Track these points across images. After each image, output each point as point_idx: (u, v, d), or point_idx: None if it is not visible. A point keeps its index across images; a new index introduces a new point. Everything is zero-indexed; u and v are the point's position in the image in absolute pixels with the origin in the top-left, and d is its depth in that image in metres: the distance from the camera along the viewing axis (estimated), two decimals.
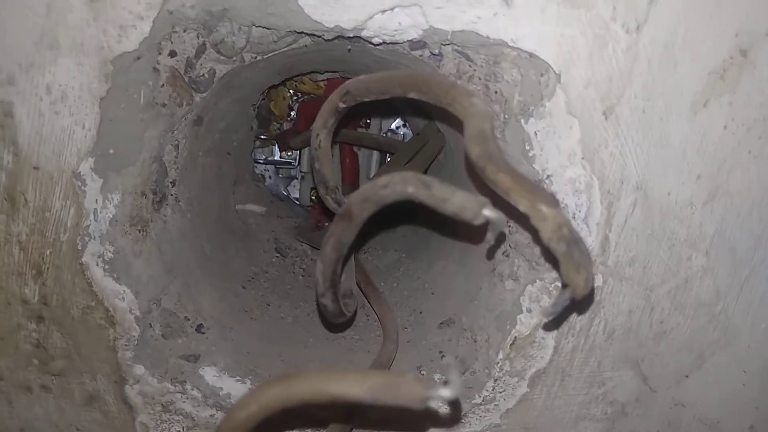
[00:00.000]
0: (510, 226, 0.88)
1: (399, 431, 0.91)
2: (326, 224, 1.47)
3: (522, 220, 0.57)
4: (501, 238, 0.84)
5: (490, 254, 0.88)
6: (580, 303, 0.76)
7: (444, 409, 0.48)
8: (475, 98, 0.63)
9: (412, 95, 0.67)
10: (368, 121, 1.47)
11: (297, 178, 1.55)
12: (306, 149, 1.45)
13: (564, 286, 0.58)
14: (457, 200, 0.57)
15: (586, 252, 0.56)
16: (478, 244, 0.94)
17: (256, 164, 1.49)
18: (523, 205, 0.56)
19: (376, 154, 1.49)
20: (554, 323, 0.85)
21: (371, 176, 1.49)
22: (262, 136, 1.45)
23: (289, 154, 1.48)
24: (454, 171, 1.21)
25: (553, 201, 0.55)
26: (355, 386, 0.47)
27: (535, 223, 0.56)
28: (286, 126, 1.49)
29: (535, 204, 0.55)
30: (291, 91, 1.45)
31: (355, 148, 1.45)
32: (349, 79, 1.31)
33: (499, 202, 0.60)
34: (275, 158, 1.49)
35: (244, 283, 1.14)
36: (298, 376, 0.49)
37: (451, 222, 0.59)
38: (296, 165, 1.51)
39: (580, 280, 0.56)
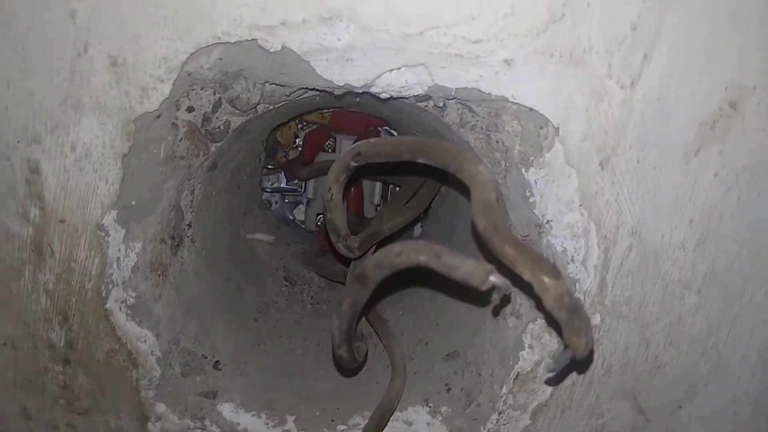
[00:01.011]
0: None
1: None
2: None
3: (526, 287, 0.62)
4: (506, 301, 0.89)
5: (496, 313, 0.93)
6: (581, 362, 0.80)
7: None
8: (482, 166, 0.67)
9: (421, 160, 0.72)
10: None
11: (302, 203, 1.59)
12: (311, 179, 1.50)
13: (566, 346, 0.63)
14: (466, 268, 0.61)
15: (586, 318, 0.60)
16: (483, 307, 0.99)
17: (263, 192, 1.53)
18: (527, 276, 0.60)
19: (378, 183, 1.53)
20: (556, 379, 0.90)
21: (375, 202, 1.53)
22: (269, 166, 1.49)
23: (295, 181, 1.52)
24: (456, 204, 1.26)
25: (555, 272, 0.60)
26: None
27: (538, 293, 0.60)
28: (292, 154, 1.53)
29: (538, 275, 0.59)
30: (296, 121, 1.49)
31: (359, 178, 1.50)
32: (353, 112, 1.37)
33: (503, 266, 0.65)
34: (282, 185, 1.53)
35: (255, 315, 1.18)
36: None
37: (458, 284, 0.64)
38: (302, 191, 1.55)
39: (580, 344, 0.60)
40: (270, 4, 0.79)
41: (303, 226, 1.59)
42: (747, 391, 1.00)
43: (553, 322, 0.75)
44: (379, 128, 1.48)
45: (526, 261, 0.60)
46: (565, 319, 0.59)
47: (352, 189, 1.48)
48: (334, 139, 1.50)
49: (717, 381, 0.98)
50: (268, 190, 1.53)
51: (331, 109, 1.39)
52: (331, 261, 1.37)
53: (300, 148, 1.52)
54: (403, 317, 1.24)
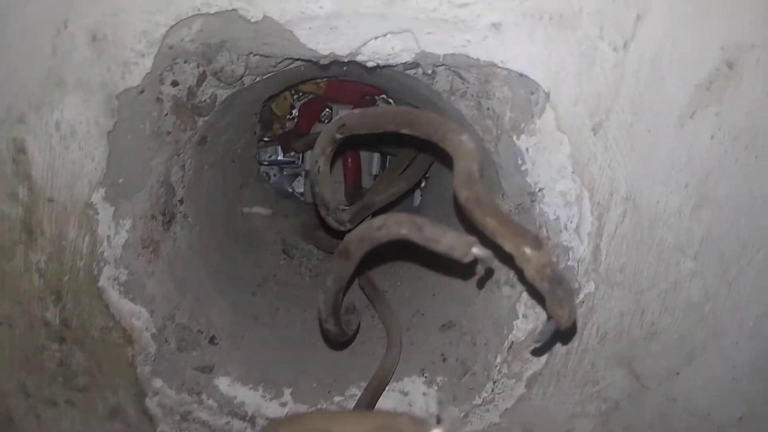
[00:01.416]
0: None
1: None
2: None
3: (509, 259, 0.61)
4: (489, 273, 0.88)
5: (480, 285, 0.92)
6: (565, 332, 0.80)
7: None
8: (465, 135, 0.66)
9: (405, 131, 0.70)
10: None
11: (301, 175, 1.58)
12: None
13: (549, 317, 0.62)
14: (447, 241, 0.61)
15: (569, 288, 0.59)
16: (466, 280, 0.99)
17: (260, 165, 1.52)
18: (508, 247, 0.59)
19: (377, 153, 1.52)
20: (541, 350, 0.89)
21: (373, 173, 1.52)
22: (266, 138, 1.48)
23: (292, 153, 1.51)
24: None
25: (537, 243, 0.59)
26: (354, 428, 0.52)
27: (520, 264, 0.59)
28: (288, 125, 1.51)
29: (519, 246, 0.58)
30: (292, 92, 1.47)
31: (357, 149, 1.48)
32: (347, 81, 1.35)
33: (487, 238, 0.64)
34: (279, 158, 1.52)
35: (253, 289, 1.18)
36: (303, 418, 0.54)
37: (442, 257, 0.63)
38: (300, 163, 1.54)
39: (563, 314, 0.60)
40: None
41: (302, 198, 1.59)
42: (745, 356, 0.99)
43: (536, 294, 0.75)
44: (376, 97, 1.46)
45: (508, 232, 0.59)
46: (547, 290, 0.58)
47: (350, 159, 1.47)
48: (331, 109, 1.48)
49: (714, 346, 0.97)
50: (265, 162, 1.52)
51: (325, 79, 1.37)
52: (329, 237, 1.36)
53: (296, 120, 1.50)
54: (401, 288, 1.24)
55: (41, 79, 0.81)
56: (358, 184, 1.48)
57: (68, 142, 0.84)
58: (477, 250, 0.60)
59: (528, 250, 0.58)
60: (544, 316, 0.93)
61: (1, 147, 0.84)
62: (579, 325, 0.93)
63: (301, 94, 1.49)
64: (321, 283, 0.74)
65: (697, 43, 0.83)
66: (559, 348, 0.94)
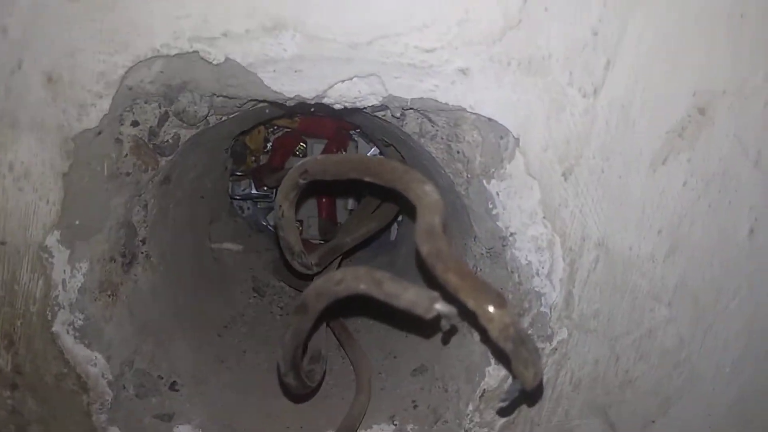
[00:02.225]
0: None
1: None
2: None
3: (472, 317, 0.58)
4: (453, 330, 0.86)
5: (445, 341, 0.90)
6: (531, 393, 0.77)
7: None
8: (429, 186, 0.64)
9: (368, 179, 0.68)
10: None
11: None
12: None
13: (514, 377, 0.59)
14: (409, 296, 0.58)
15: (534, 349, 0.57)
16: (429, 338, 0.96)
17: (233, 199, 1.49)
18: (471, 305, 0.57)
19: None
20: (509, 410, 0.87)
21: (349, 207, 1.50)
22: (238, 173, 1.46)
23: (264, 188, 1.48)
24: None
25: (500, 300, 0.56)
26: None
27: (483, 323, 0.57)
28: (263, 158, 1.49)
29: (482, 304, 0.56)
30: (265, 125, 1.45)
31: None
32: (323, 117, 1.33)
33: (451, 294, 0.61)
34: (252, 191, 1.50)
35: (219, 330, 1.15)
36: None
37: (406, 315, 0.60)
38: (273, 197, 1.51)
39: (528, 375, 0.57)
40: (211, 15, 0.76)
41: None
42: (722, 402, 0.97)
43: (500, 353, 0.72)
44: (351, 131, 1.44)
45: (470, 289, 0.56)
46: (511, 350, 0.56)
47: (324, 197, 1.44)
48: (305, 143, 1.46)
49: (691, 394, 0.95)
50: (238, 197, 1.49)
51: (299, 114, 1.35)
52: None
53: (270, 153, 1.48)
54: (374, 327, 1.21)
55: None
56: (333, 219, 1.46)
57: (22, 184, 0.81)
58: (440, 306, 0.57)
59: (491, 309, 0.56)
60: None
61: None
62: (552, 372, 0.91)
63: (275, 127, 1.47)
64: (279, 341, 0.72)
65: (668, 90, 0.82)
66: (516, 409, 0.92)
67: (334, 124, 1.38)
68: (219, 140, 1.12)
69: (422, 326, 1.00)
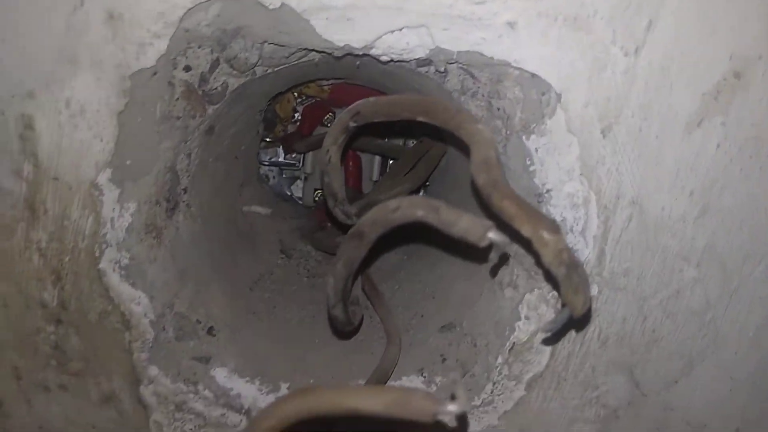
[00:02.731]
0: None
1: None
2: (329, 224, 1.50)
3: (525, 243, 0.61)
4: (504, 259, 0.88)
5: (494, 272, 0.92)
6: (578, 320, 0.79)
7: (452, 423, 0.52)
8: (481, 125, 0.66)
9: (420, 119, 0.71)
10: None
11: (300, 179, 1.58)
12: (309, 152, 1.48)
13: (563, 305, 0.62)
14: (463, 224, 0.61)
15: (585, 275, 0.60)
16: (481, 264, 0.98)
17: (261, 165, 1.52)
18: (526, 231, 0.59)
19: (378, 157, 1.52)
20: (553, 338, 0.89)
21: (374, 179, 1.52)
22: (268, 139, 1.48)
23: (293, 155, 1.51)
24: (455, 178, 1.25)
25: (554, 227, 0.59)
26: (371, 401, 0.51)
27: (537, 248, 0.59)
28: (290, 128, 1.51)
29: (537, 230, 0.59)
30: (296, 94, 1.48)
31: (357, 152, 1.48)
32: (353, 85, 1.36)
33: (503, 224, 0.64)
34: (279, 159, 1.52)
35: (251, 285, 1.17)
36: (318, 391, 0.53)
37: (456, 242, 0.63)
38: (300, 166, 1.54)
39: (578, 301, 0.60)
40: None
41: (300, 202, 1.58)
42: (744, 367, 0.99)
43: (551, 279, 0.75)
44: None
45: (526, 216, 0.59)
46: (563, 275, 0.58)
47: (351, 163, 1.47)
48: (333, 113, 1.48)
49: (714, 356, 0.97)
50: (266, 163, 1.51)
51: (330, 82, 1.37)
52: (329, 235, 1.36)
53: (298, 123, 1.50)
54: (399, 291, 1.24)
55: (53, 56, 0.81)
56: (358, 189, 1.48)
57: (77, 121, 0.83)
58: (493, 235, 0.60)
59: (546, 235, 0.58)
60: (546, 317, 0.93)
61: (9, 122, 0.83)
62: (581, 328, 0.93)
63: (304, 97, 1.49)
64: (329, 269, 0.74)
65: (705, 53, 0.84)
66: (560, 350, 0.94)
67: (365, 94, 1.40)
68: (257, 98, 1.15)
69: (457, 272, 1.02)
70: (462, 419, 0.88)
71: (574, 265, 0.58)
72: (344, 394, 0.53)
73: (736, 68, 0.85)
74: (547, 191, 0.89)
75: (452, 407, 0.51)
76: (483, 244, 0.60)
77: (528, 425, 0.98)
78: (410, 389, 0.52)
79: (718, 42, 0.84)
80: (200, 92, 0.90)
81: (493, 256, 0.63)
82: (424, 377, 1.00)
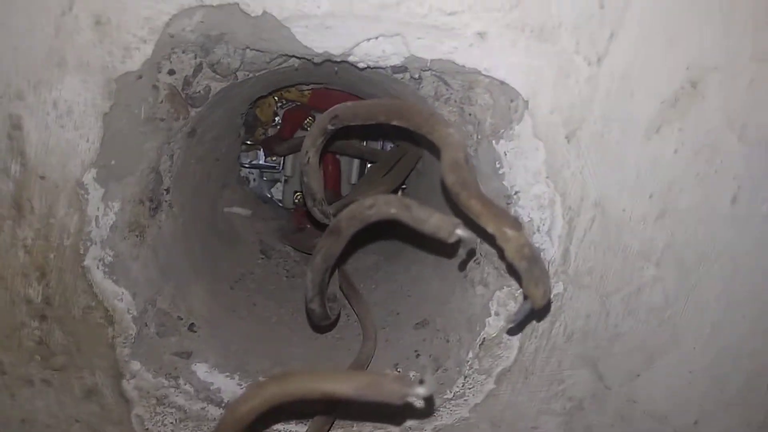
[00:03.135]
0: (479, 240, 0.96)
1: (377, 422, 0.99)
2: (308, 226, 1.54)
3: (490, 239, 0.65)
4: (471, 254, 0.93)
5: (462, 267, 0.96)
6: (539, 312, 0.84)
7: (419, 404, 0.56)
8: (452, 128, 0.71)
9: (395, 122, 0.75)
10: None
11: (281, 181, 1.61)
12: (290, 155, 1.52)
13: (525, 297, 0.66)
14: (434, 221, 0.65)
15: (545, 269, 0.64)
16: (450, 258, 1.02)
17: (241, 168, 1.55)
18: (490, 228, 0.64)
19: (356, 161, 1.56)
20: (517, 328, 0.94)
21: (352, 182, 1.56)
22: (248, 142, 1.52)
23: (273, 158, 1.54)
24: (431, 180, 1.29)
25: (516, 224, 0.63)
26: (343, 385, 0.55)
27: (500, 244, 0.64)
28: (270, 131, 1.55)
29: (500, 227, 0.63)
30: (276, 98, 1.51)
31: (337, 155, 1.52)
32: (332, 90, 1.40)
33: (470, 222, 0.68)
34: (260, 162, 1.56)
35: (231, 284, 1.20)
36: (293, 376, 0.57)
37: (428, 238, 0.67)
38: (280, 169, 1.57)
39: (538, 293, 0.64)
40: None
41: (281, 204, 1.62)
42: (702, 361, 1.04)
43: (514, 273, 0.79)
44: None
45: (490, 214, 0.63)
46: (525, 268, 0.63)
47: (330, 167, 1.50)
48: (313, 117, 1.52)
49: (674, 351, 1.02)
50: (247, 165, 1.55)
51: (310, 86, 1.41)
52: (308, 236, 1.40)
53: (279, 126, 1.54)
54: (376, 290, 1.28)
55: (42, 58, 0.84)
56: (337, 191, 1.52)
57: (64, 121, 0.86)
58: (461, 231, 0.64)
59: (508, 231, 0.63)
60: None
61: None
62: (547, 324, 0.98)
63: (285, 101, 1.53)
64: (308, 265, 0.77)
65: (664, 62, 0.89)
66: (528, 345, 0.98)
67: (344, 98, 1.44)
68: (239, 102, 1.18)
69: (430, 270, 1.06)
70: (428, 401, 0.93)
71: (534, 259, 0.63)
72: (318, 378, 0.56)
73: (692, 78, 0.90)
74: (516, 193, 0.94)
75: (420, 390, 0.55)
76: (451, 240, 0.65)
77: (498, 417, 1.02)
78: (381, 373, 0.56)
79: (676, 53, 0.89)
80: (183, 95, 0.94)
81: (462, 252, 0.67)
82: (399, 372, 1.04)
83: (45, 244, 0.90)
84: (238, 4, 0.83)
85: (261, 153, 1.55)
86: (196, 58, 0.91)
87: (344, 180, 1.56)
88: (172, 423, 0.99)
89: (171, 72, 0.91)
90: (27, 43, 0.83)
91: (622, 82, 0.89)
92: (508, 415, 1.02)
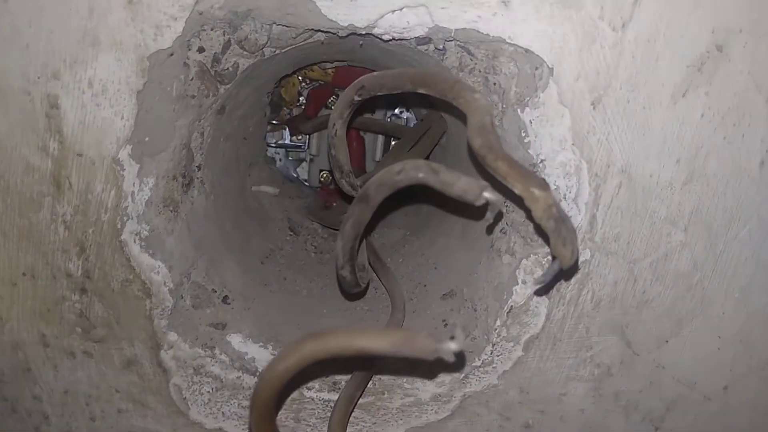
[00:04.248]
0: (507, 205, 0.97)
1: (412, 376, 1.02)
2: (334, 204, 1.56)
3: (517, 201, 0.66)
4: (498, 217, 0.94)
5: (489, 230, 0.97)
6: (567, 273, 0.85)
7: (451, 359, 0.58)
8: (477, 93, 0.72)
9: (421, 90, 0.76)
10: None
11: (306, 161, 1.64)
12: (315, 134, 1.54)
13: (553, 258, 0.67)
14: (461, 184, 0.66)
15: (572, 228, 0.65)
16: (478, 221, 1.04)
17: (268, 147, 1.58)
18: (518, 189, 0.65)
19: (381, 138, 1.58)
20: (545, 289, 0.95)
21: (377, 159, 1.58)
22: (274, 121, 1.54)
23: (298, 138, 1.56)
24: (455, 154, 1.30)
25: (543, 184, 0.64)
26: (378, 341, 0.57)
27: (528, 204, 0.65)
28: (295, 111, 1.57)
29: (528, 187, 0.64)
30: (300, 78, 1.53)
31: (361, 133, 1.54)
32: (355, 67, 1.41)
33: (497, 185, 0.69)
34: (286, 142, 1.58)
35: (262, 259, 1.23)
36: (330, 333, 0.59)
37: (454, 201, 0.68)
38: (305, 148, 1.59)
39: (566, 253, 0.65)
40: None
41: (306, 183, 1.64)
42: (731, 327, 1.04)
43: (542, 233, 0.80)
44: None
45: (518, 175, 0.64)
46: (552, 228, 0.64)
47: (355, 144, 1.52)
48: (337, 95, 1.53)
49: (702, 316, 1.03)
50: (273, 145, 1.57)
51: (334, 65, 1.43)
52: (334, 214, 1.42)
53: (303, 106, 1.56)
54: (403, 264, 1.29)
55: (77, 38, 0.86)
56: (362, 168, 1.54)
57: (99, 100, 0.89)
58: (488, 194, 0.65)
59: (536, 191, 0.64)
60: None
61: (36, 102, 0.88)
62: (575, 291, 0.99)
63: (309, 81, 1.55)
64: (339, 233, 0.79)
65: (689, 26, 0.89)
66: (555, 312, 1.00)
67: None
68: (266, 80, 1.20)
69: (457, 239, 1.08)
70: (459, 356, 0.94)
71: (562, 219, 0.64)
72: (354, 335, 0.58)
73: (718, 41, 0.90)
74: (542, 161, 0.94)
75: (452, 345, 0.57)
76: (479, 202, 0.66)
77: (526, 384, 1.04)
78: (415, 330, 0.58)
79: (700, 16, 0.89)
80: (213, 72, 0.96)
81: (489, 216, 0.68)
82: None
83: (83, 219, 0.93)
84: None
85: (286, 133, 1.58)
86: (224, 35, 0.93)
87: (369, 157, 1.57)
88: (208, 392, 1.02)
89: (200, 49, 0.93)
90: (62, 24, 0.85)
91: (647, 47, 0.89)
92: (536, 382, 1.04)
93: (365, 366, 0.91)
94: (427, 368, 1.01)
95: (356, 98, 0.83)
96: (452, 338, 0.58)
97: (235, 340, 1.03)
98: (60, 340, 1.00)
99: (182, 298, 1.01)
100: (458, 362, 0.97)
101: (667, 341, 1.04)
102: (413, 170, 0.67)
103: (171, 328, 1.00)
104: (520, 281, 1.00)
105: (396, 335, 0.58)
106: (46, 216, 0.93)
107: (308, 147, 1.59)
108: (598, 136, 0.92)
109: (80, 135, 0.90)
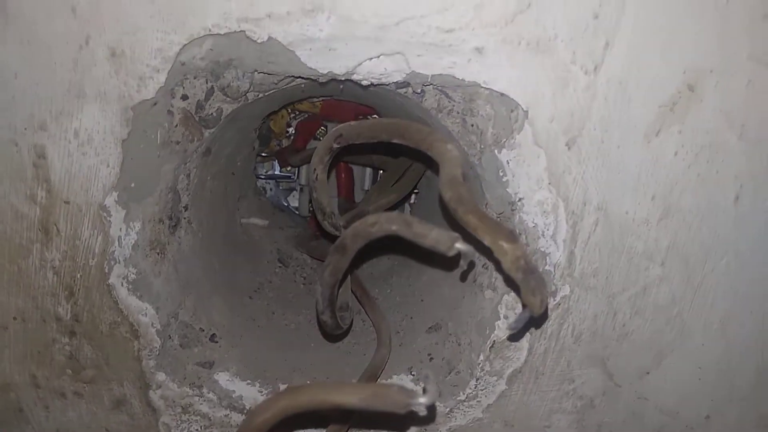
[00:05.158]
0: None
1: (387, 430, 1.03)
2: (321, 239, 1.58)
3: (487, 252, 0.68)
4: (471, 266, 0.96)
5: (463, 278, 0.99)
6: (538, 319, 0.87)
7: (423, 412, 0.60)
8: (450, 145, 0.74)
9: (395, 140, 0.78)
10: None
11: (296, 190, 1.66)
12: (304, 166, 1.56)
13: (524, 306, 0.69)
14: (434, 236, 0.68)
15: (541, 278, 0.67)
16: (451, 271, 1.06)
17: (257, 179, 1.60)
18: (487, 241, 0.67)
19: (369, 169, 1.60)
20: (517, 336, 0.97)
21: (365, 188, 1.60)
22: (263, 154, 1.56)
23: (288, 168, 1.59)
24: None
25: (512, 237, 0.66)
26: (350, 396, 0.59)
27: (497, 256, 0.67)
28: (285, 142, 1.59)
29: (496, 240, 0.66)
30: (289, 110, 1.56)
31: (350, 164, 1.56)
32: (342, 100, 1.43)
33: (468, 236, 0.71)
34: (275, 172, 1.60)
35: (250, 294, 1.25)
36: (304, 389, 0.61)
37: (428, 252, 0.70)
38: (295, 178, 1.61)
39: (536, 302, 0.67)
40: None
41: (297, 212, 1.66)
42: (710, 357, 1.06)
43: (512, 284, 0.82)
44: (368, 116, 1.54)
45: (486, 227, 0.66)
46: (521, 279, 0.66)
47: (343, 174, 1.54)
48: (326, 127, 1.56)
49: (682, 348, 1.04)
50: (262, 176, 1.59)
51: (321, 98, 1.45)
52: (323, 244, 1.43)
53: (292, 137, 1.58)
54: (391, 295, 1.31)
55: (63, 90, 0.88)
56: (350, 198, 1.56)
57: (85, 149, 0.91)
58: (460, 245, 0.67)
59: (505, 244, 0.66)
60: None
61: (23, 152, 0.91)
62: (556, 326, 1.01)
63: (297, 113, 1.57)
64: (317, 279, 0.81)
65: (660, 67, 0.91)
66: (537, 347, 1.01)
67: (353, 108, 1.48)
68: (251, 119, 1.22)
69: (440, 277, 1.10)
70: (431, 409, 0.96)
71: (530, 270, 0.66)
72: (328, 390, 0.60)
73: (689, 81, 0.92)
74: (520, 200, 0.97)
75: (423, 399, 0.59)
76: (451, 253, 0.68)
77: (511, 417, 1.05)
78: (386, 384, 0.59)
79: (671, 57, 0.91)
80: (197, 118, 0.98)
81: (463, 263, 0.70)
82: (413, 375, 1.08)
83: (72, 264, 0.95)
84: (244, 32, 0.87)
85: (276, 164, 1.60)
86: (207, 82, 0.95)
87: (357, 187, 1.59)
88: (197, 430, 1.04)
89: (184, 97, 0.95)
90: (47, 76, 0.88)
91: (619, 89, 0.91)
92: (520, 415, 1.05)
93: (343, 418, 0.93)
94: (400, 420, 1.02)
95: (335, 145, 0.85)
96: (424, 391, 0.59)
97: (223, 378, 1.05)
98: (51, 381, 1.01)
99: (170, 338, 1.03)
100: (429, 415, 0.99)
101: (648, 372, 1.05)
102: (387, 223, 0.69)
103: (159, 368, 1.01)
104: (502, 316, 1.02)
105: (368, 390, 0.59)
106: (35, 261, 0.95)
107: (298, 177, 1.61)
108: (573, 175, 0.94)
109: (67, 183, 0.92)
